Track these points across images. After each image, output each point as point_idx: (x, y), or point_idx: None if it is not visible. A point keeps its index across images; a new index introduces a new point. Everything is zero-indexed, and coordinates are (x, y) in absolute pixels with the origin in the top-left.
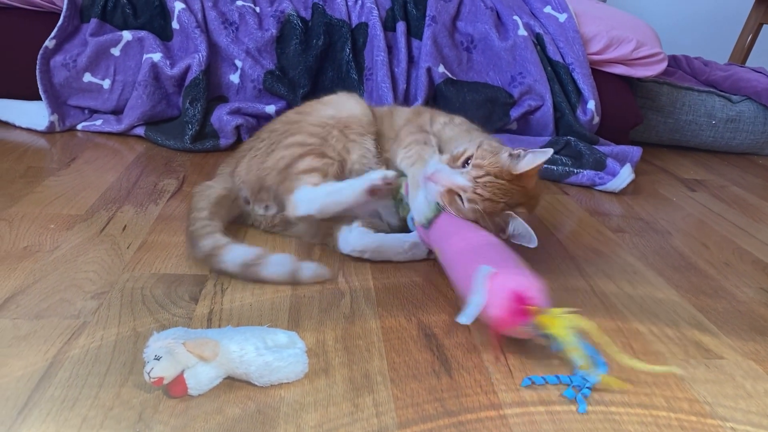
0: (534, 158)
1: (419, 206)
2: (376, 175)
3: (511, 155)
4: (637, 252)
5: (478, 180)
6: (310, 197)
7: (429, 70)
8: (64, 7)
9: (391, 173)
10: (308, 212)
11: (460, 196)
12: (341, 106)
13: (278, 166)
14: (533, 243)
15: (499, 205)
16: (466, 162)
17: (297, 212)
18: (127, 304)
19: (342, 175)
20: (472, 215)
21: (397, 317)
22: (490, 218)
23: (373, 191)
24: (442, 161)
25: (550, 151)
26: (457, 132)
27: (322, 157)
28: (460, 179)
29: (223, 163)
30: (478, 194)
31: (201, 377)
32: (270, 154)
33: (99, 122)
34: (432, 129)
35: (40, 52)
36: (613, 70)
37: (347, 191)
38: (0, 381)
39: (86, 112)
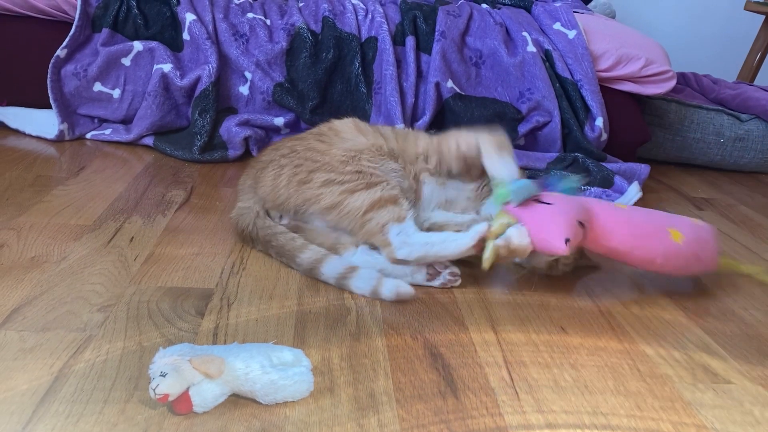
0: None
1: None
2: (482, 228)
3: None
4: (644, 272)
5: None
6: (407, 241)
7: (437, 85)
8: (77, 16)
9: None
10: (407, 258)
11: None
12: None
13: (344, 210)
14: None
15: None
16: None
17: (397, 255)
18: (133, 318)
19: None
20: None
21: (403, 335)
22: None
23: (478, 245)
24: None
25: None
26: None
27: (375, 186)
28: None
29: (244, 175)
30: None
31: (206, 394)
32: (304, 185)
33: (108, 131)
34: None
35: (52, 61)
36: (621, 88)
37: (452, 246)
38: (5, 395)
39: (96, 121)
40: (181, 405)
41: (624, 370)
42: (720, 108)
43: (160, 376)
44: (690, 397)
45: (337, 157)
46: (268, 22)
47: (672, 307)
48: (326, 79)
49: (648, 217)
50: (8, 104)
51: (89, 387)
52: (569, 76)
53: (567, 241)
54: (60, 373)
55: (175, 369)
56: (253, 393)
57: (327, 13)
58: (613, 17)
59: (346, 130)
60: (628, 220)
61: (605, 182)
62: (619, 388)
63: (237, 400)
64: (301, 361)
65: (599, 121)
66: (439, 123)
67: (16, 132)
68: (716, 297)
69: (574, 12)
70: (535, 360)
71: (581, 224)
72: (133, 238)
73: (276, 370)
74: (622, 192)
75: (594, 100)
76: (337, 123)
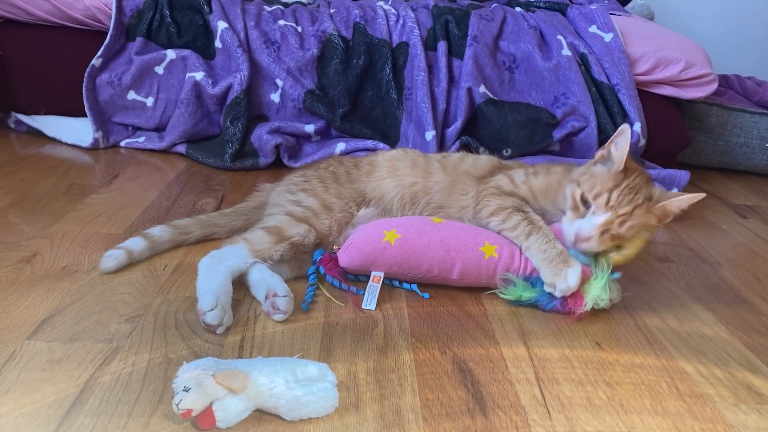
0: (622, 143)
1: (573, 276)
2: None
3: (597, 162)
4: (683, 283)
5: (611, 204)
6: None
7: (470, 90)
8: (111, 26)
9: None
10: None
11: (609, 230)
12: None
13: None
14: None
15: (645, 204)
16: (584, 202)
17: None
18: (160, 329)
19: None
20: (634, 232)
21: (431, 349)
22: (648, 226)
23: None
24: (569, 219)
25: (626, 126)
26: (548, 179)
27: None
28: (598, 218)
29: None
30: (623, 213)
31: (229, 410)
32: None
33: (142, 139)
34: (517, 189)
35: (87, 70)
36: (660, 92)
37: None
38: (32, 407)
39: (130, 129)
40: (204, 420)
41: (662, 388)
42: (765, 111)
43: (184, 390)
44: (733, 418)
45: (329, 194)
46: (299, 29)
47: (713, 321)
48: (357, 86)
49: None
50: (46, 113)
51: (114, 399)
52: (606, 80)
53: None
54: (86, 385)
55: (198, 384)
56: (277, 409)
57: (358, 19)
58: (652, 19)
59: (382, 170)
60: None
61: None
62: (657, 407)
63: (261, 415)
64: (326, 376)
65: (637, 126)
66: (471, 129)
67: (53, 140)
68: (761, 311)
69: (611, 14)
70: (569, 377)
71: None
72: None
73: (300, 386)
74: None
75: (632, 105)
76: (379, 158)
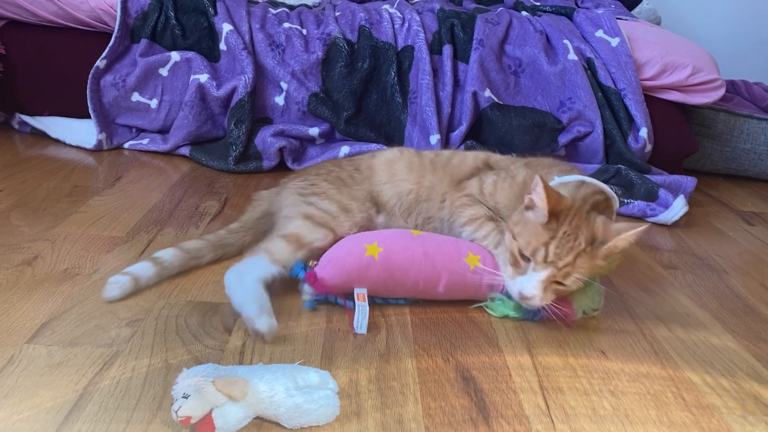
0: (537, 189)
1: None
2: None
3: (527, 207)
4: (690, 291)
5: (549, 258)
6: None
7: (475, 94)
8: (116, 27)
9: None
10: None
11: (553, 284)
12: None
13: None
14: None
15: (588, 247)
16: (522, 256)
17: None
18: (160, 333)
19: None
20: (582, 282)
21: (434, 357)
22: (598, 267)
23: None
24: (510, 277)
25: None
26: (514, 190)
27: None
28: (539, 275)
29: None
30: (566, 264)
31: (229, 417)
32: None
33: (145, 141)
34: (485, 200)
35: (92, 71)
36: (667, 97)
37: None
38: (30, 412)
39: (133, 130)
40: (203, 428)
41: (668, 398)
42: None
43: (183, 397)
44: (740, 430)
45: (342, 196)
46: (304, 31)
47: (720, 330)
48: (362, 89)
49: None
50: (50, 114)
51: (113, 405)
52: (612, 85)
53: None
54: (85, 390)
55: (198, 391)
56: (277, 417)
57: (363, 23)
58: (659, 23)
59: (381, 174)
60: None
61: (649, 195)
62: (662, 418)
63: (261, 423)
64: (328, 383)
65: (643, 132)
66: (476, 133)
67: (56, 142)
68: None
69: (618, 19)
70: (573, 386)
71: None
72: None
73: (301, 393)
74: (667, 206)
75: (638, 110)
76: (377, 161)
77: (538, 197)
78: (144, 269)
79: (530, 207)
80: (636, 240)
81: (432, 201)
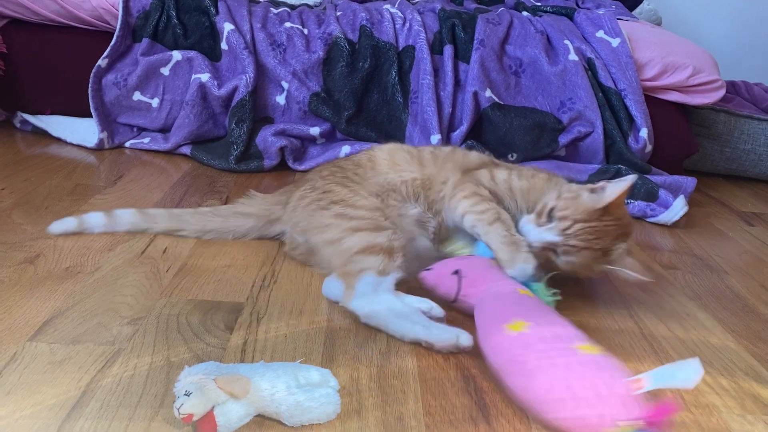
0: (617, 186)
1: (523, 267)
2: (446, 337)
3: (593, 190)
4: (690, 291)
5: (567, 232)
6: (370, 297)
7: (475, 94)
8: (118, 26)
9: (465, 342)
10: (356, 310)
11: (555, 251)
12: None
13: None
14: (647, 277)
15: (598, 252)
16: (549, 215)
17: (351, 304)
18: (162, 332)
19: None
20: (569, 268)
21: (434, 355)
22: (590, 268)
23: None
24: (530, 221)
25: (633, 177)
26: (531, 182)
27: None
28: (549, 235)
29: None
30: (572, 246)
31: (231, 415)
32: (321, 210)
33: (147, 140)
34: (496, 186)
35: (93, 70)
36: (667, 97)
37: (405, 329)
38: (33, 409)
39: (135, 129)
40: (205, 425)
41: (667, 398)
42: None
43: (185, 395)
44: (739, 429)
45: (361, 196)
46: (305, 31)
47: (720, 330)
48: (362, 89)
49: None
50: (51, 113)
51: (115, 403)
52: (612, 86)
53: (426, 270)
54: (87, 387)
55: (199, 388)
56: (279, 414)
57: (364, 22)
58: (659, 24)
59: (383, 163)
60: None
61: (649, 196)
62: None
63: (262, 420)
64: (329, 381)
65: (644, 132)
66: (477, 133)
67: (58, 140)
68: None
69: (619, 19)
70: None
71: (457, 273)
72: (166, 249)
73: (302, 391)
74: (667, 206)
75: (638, 110)
76: (376, 152)
77: (614, 189)
78: (95, 218)
79: (595, 190)
80: (633, 282)
81: (432, 190)
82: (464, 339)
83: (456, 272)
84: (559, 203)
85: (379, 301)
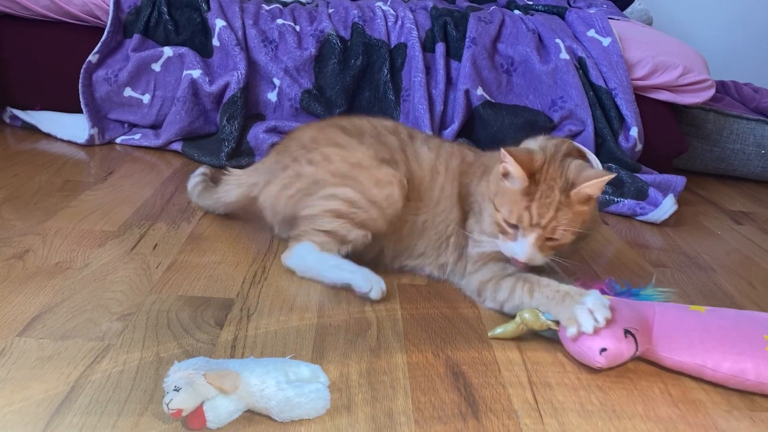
0: (593, 183)
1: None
2: (361, 285)
3: (505, 176)
4: (678, 289)
5: (534, 222)
6: (306, 256)
7: (467, 93)
8: (109, 22)
9: (373, 296)
10: (294, 268)
11: (545, 242)
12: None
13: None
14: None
15: (562, 201)
16: (508, 224)
17: (286, 262)
18: (152, 327)
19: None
20: (571, 231)
21: (424, 352)
22: (577, 209)
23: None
24: (502, 241)
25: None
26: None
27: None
28: (530, 238)
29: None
30: (548, 224)
31: (220, 410)
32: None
33: (137, 136)
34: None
35: (84, 66)
36: (657, 97)
37: (334, 275)
38: (21, 404)
39: (125, 126)
40: (194, 420)
41: (654, 394)
42: (761, 118)
43: (174, 390)
44: (725, 425)
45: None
46: (297, 28)
47: None
48: (354, 86)
49: (736, 322)
50: (41, 108)
51: (104, 398)
52: (603, 85)
53: (603, 350)
54: (76, 383)
55: (189, 383)
56: (268, 410)
57: (356, 20)
58: (650, 23)
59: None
60: (700, 328)
61: (639, 194)
62: (649, 413)
63: (252, 416)
64: (318, 377)
65: (634, 131)
66: (468, 131)
67: (48, 136)
68: None
69: (610, 18)
70: (561, 381)
71: (629, 333)
72: (156, 245)
73: (292, 387)
74: (656, 205)
75: (629, 110)
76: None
77: (511, 166)
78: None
79: (506, 175)
80: (602, 187)
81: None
82: (374, 293)
83: (627, 332)
84: (503, 211)
85: (312, 257)
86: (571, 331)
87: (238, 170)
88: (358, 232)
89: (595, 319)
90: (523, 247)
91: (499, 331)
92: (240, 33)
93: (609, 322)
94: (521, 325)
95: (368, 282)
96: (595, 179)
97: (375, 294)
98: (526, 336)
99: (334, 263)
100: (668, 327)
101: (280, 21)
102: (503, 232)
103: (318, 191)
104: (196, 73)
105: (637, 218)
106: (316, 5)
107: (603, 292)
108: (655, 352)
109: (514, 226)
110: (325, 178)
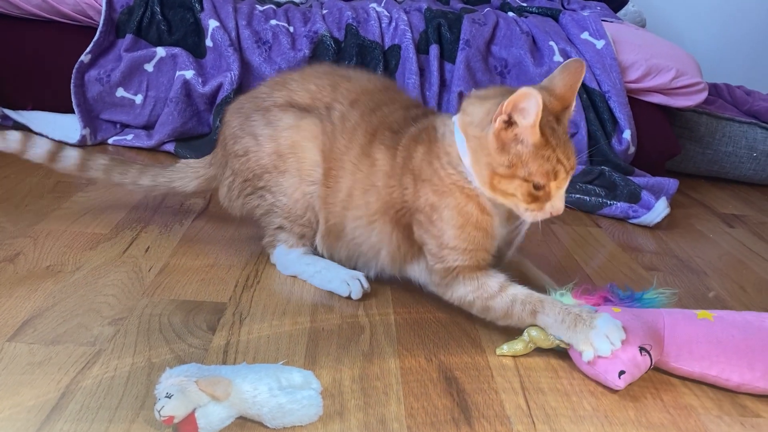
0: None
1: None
2: (352, 290)
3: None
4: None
5: (566, 171)
6: (285, 262)
7: (461, 95)
8: (101, 22)
9: (353, 296)
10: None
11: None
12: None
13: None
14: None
15: (562, 128)
16: (536, 188)
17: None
18: (143, 332)
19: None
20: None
21: (417, 357)
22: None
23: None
24: (530, 210)
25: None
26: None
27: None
28: (563, 188)
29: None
30: (572, 163)
31: (212, 417)
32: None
33: (130, 137)
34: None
35: (76, 66)
36: (650, 99)
37: (313, 281)
38: (11, 411)
39: (118, 126)
40: (186, 427)
41: (646, 399)
42: (754, 121)
43: (166, 397)
44: (716, 430)
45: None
46: (291, 29)
47: None
48: None
49: (745, 330)
50: (33, 108)
51: (95, 405)
52: (597, 87)
53: (622, 373)
54: (67, 389)
55: (181, 390)
56: (260, 416)
57: (350, 21)
58: (644, 26)
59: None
60: (711, 338)
61: (632, 197)
62: (641, 419)
63: (244, 423)
64: (311, 383)
65: (627, 134)
66: None
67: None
68: None
69: (603, 21)
70: (554, 387)
71: (644, 350)
72: (148, 248)
73: (284, 393)
74: (649, 208)
75: (622, 112)
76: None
77: (525, 117)
78: (41, 144)
79: (517, 141)
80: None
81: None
82: (354, 294)
83: (642, 349)
84: (536, 180)
85: (289, 262)
86: (588, 356)
87: (192, 160)
88: (303, 224)
89: (611, 343)
90: (562, 199)
91: (506, 349)
92: (233, 34)
93: (624, 342)
94: (530, 343)
95: (345, 285)
96: (580, 80)
97: (355, 294)
98: (519, 335)
99: (314, 269)
100: (679, 338)
101: (273, 22)
102: (533, 201)
103: (254, 188)
104: (189, 74)
105: (630, 221)
106: (310, 6)
107: (606, 300)
108: (666, 363)
109: (542, 187)
110: (255, 173)
